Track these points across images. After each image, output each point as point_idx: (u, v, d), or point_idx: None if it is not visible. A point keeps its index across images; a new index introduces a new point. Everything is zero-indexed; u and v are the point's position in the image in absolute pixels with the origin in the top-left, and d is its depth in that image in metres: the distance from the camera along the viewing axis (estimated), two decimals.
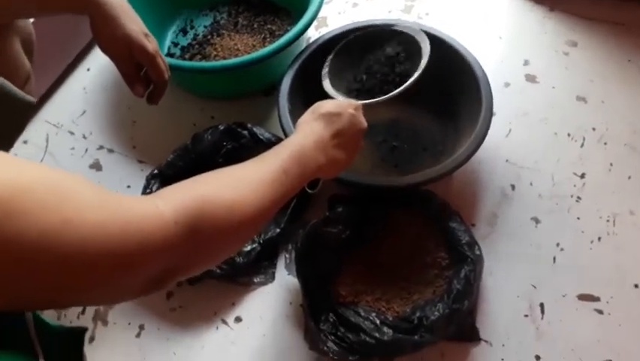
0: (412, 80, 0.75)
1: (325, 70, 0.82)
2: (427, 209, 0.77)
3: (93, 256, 0.36)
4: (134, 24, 0.67)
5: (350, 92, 0.80)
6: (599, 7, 1.04)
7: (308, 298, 0.70)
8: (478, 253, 0.72)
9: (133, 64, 0.69)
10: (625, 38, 1.00)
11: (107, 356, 0.74)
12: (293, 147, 0.57)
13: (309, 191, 0.66)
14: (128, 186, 0.90)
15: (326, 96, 0.77)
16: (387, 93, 0.77)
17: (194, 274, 0.48)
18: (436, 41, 0.88)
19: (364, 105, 0.70)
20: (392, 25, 0.85)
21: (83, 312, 0.78)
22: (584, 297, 0.74)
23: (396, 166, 0.87)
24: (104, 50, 0.68)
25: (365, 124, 0.66)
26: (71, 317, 0.78)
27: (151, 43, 0.68)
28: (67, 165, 0.94)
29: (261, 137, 0.85)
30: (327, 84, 0.80)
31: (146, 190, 0.82)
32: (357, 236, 0.76)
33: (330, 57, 0.83)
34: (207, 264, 0.48)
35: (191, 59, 1.02)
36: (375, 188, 0.77)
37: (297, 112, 0.85)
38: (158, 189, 0.82)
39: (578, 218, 0.81)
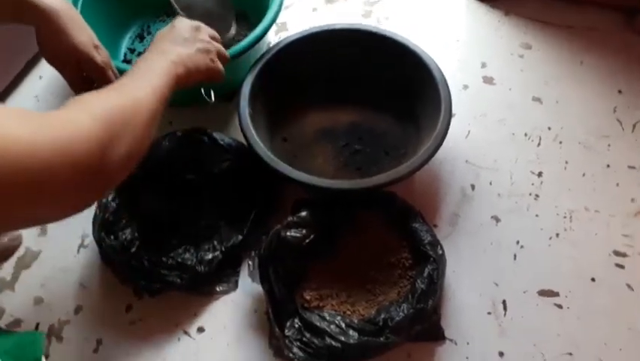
0: None
1: None
2: (389, 211, 0.78)
3: (28, 175, 0.38)
4: (83, 35, 0.64)
5: None
6: (552, 10, 1.08)
7: (272, 305, 0.69)
8: (440, 252, 0.72)
9: (80, 75, 0.66)
10: (576, 41, 1.03)
11: None
12: (143, 67, 0.60)
13: (208, 99, 0.78)
14: None
15: None
16: None
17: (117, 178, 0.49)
18: (396, 45, 0.89)
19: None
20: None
21: (36, 328, 0.75)
22: (544, 292, 0.75)
23: (358, 169, 0.87)
24: (50, 62, 0.65)
25: (193, 23, 0.71)
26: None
27: (101, 55, 0.66)
28: None
29: (222, 142, 0.84)
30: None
31: (102, 200, 0.79)
32: (322, 240, 0.76)
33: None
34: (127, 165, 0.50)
35: None
36: (337, 191, 0.76)
37: (257, 116, 0.84)
38: (113, 198, 0.79)
39: (537, 215, 0.82)
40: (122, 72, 0.87)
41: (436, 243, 0.73)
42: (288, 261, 0.72)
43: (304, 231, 0.73)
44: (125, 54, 1.03)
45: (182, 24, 0.70)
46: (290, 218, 0.74)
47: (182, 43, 0.66)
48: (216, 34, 0.75)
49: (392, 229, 0.77)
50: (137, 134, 0.50)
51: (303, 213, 0.74)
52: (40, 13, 0.61)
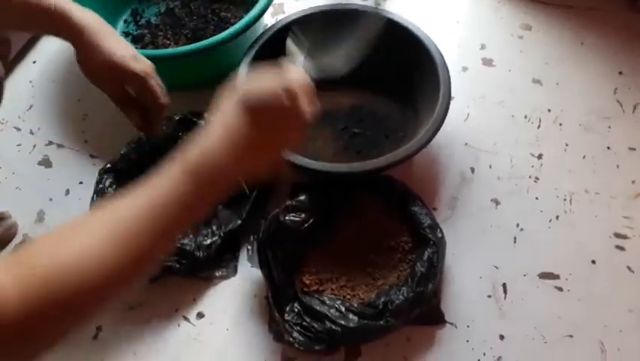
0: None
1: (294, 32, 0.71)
2: (388, 194, 0.77)
3: None
4: (119, 48, 0.62)
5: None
6: None
7: (272, 289, 0.69)
8: (440, 235, 0.72)
9: (121, 90, 0.65)
10: (577, 21, 1.02)
11: None
12: (196, 165, 0.44)
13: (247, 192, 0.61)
14: (81, 182, 0.86)
15: None
16: None
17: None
18: (396, 27, 0.88)
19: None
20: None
21: None
22: (544, 275, 0.75)
23: (358, 153, 0.86)
24: (91, 80, 0.64)
25: (306, 115, 0.49)
26: None
27: (141, 65, 0.64)
28: (14, 162, 0.89)
29: None
30: (290, 42, 0.64)
31: (99, 185, 0.78)
32: (321, 224, 0.75)
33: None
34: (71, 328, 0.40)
35: (143, 48, 0.98)
36: (337, 175, 0.75)
37: None
38: (111, 184, 0.78)
39: (537, 198, 0.82)
40: None
41: (435, 226, 0.73)
42: (287, 245, 0.72)
43: (303, 215, 0.73)
44: None
45: (277, 100, 0.47)
46: (289, 202, 0.73)
47: (271, 143, 0.48)
48: (313, 100, 0.52)
49: (391, 213, 0.77)
50: (87, 301, 0.39)
51: (302, 197, 0.74)
52: (75, 30, 0.60)
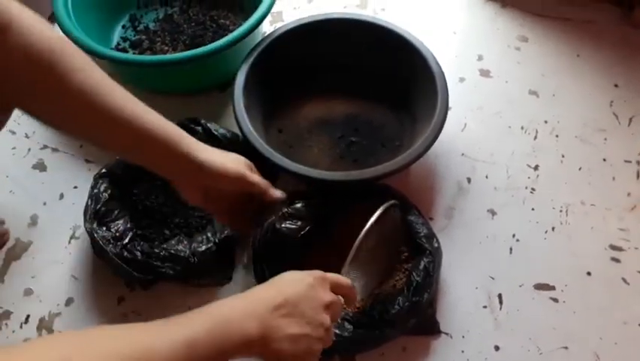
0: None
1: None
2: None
3: None
4: (234, 160, 0.63)
5: None
6: (549, 3, 1.07)
7: None
8: (436, 245, 0.72)
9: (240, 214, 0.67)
10: (573, 34, 1.03)
11: None
12: (216, 309, 0.45)
13: None
14: (75, 187, 0.85)
15: None
16: None
17: None
18: (393, 36, 0.88)
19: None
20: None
21: (26, 321, 0.74)
22: (540, 286, 0.75)
23: (355, 161, 0.86)
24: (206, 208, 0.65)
25: (327, 298, 0.51)
26: (14, 327, 0.73)
27: (255, 175, 0.65)
28: (8, 165, 0.88)
29: (216, 132, 0.83)
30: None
31: (94, 190, 0.78)
32: (317, 232, 0.75)
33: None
34: None
35: (141, 54, 0.98)
36: (333, 183, 0.75)
37: (252, 107, 0.83)
38: (106, 189, 0.78)
39: (533, 209, 0.82)
40: (113, 60, 0.85)
41: (432, 236, 0.72)
42: (282, 254, 0.71)
43: (300, 222, 0.72)
44: (118, 43, 1.01)
45: (319, 295, 0.51)
46: (285, 209, 0.73)
47: (296, 319, 0.48)
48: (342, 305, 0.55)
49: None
50: None
51: (299, 205, 0.73)
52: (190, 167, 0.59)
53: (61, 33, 0.70)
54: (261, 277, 0.69)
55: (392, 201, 0.69)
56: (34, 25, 0.50)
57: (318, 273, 0.53)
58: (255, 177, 0.64)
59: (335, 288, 0.54)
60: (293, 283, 0.50)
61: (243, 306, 0.46)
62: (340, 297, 0.55)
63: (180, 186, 0.62)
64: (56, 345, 0.37)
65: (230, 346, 0.43)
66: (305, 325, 0.48)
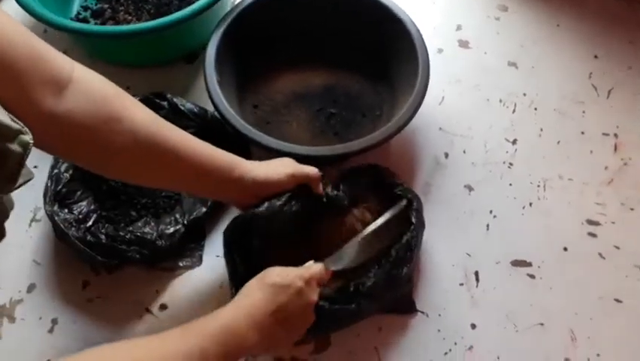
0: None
1: None
2: (374, 181, 0.74)
3: None
4: (288, 166, 0.66)
5: None
6: None
7: (236, 283, 0.66)
8: (422, 220, 0.70)
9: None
10: (554, 3, 1.00)
11: (16, 356, 0.67)
12: (221, 321, 0.52)
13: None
14: (35, 167, 0.81)
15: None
16: None
17: None
18: (371, 3, 0.84)
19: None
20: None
21: None
22: (516, 263, 0.74)
23: (336, 134, 0.83)
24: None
25: (315, 298, 0.59)
26: None
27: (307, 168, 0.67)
28: None
29: (182, 108, 0.78)
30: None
31: (54, 170, 0.74)
32: (296, 212, 0.72)
33: None
34: None
35: (103, 24, 0.92)
36: (317, 158, 0.72)
37: (225, 82, 0.78)
38: (67, 169, 0.74)
39: (510, 184, 0.81)
40: (72, 31, 0.80)
41: (420, 209, 0.70)
42: (255, 236, 0.68)
43: (276, 203, 0.69)
44: (79, 12, 0.95)
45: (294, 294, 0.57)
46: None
47: (286, 324, 0.56)
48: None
49: (372, 197, 0.74)
50: None
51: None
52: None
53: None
54: (233, 268, 0.66)
55: (403, 204, 0.70)
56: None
57: (305, 274, 0.59)
58: (305, 168, 0.67)
59: (320, 282, 0.61)
60: (284, 290, 0.56)
61: (244, 317, 0.53)
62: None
63: (238, 205, 0.69)
64: None
65: (236, 352, 0.52)
66: (296, 327, 0.58)
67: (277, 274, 0.57)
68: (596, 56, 0.94)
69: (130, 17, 0.93)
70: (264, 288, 0.56)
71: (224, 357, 0.50)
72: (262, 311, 0.54)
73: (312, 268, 0.61)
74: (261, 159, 0.75)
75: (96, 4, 0.96)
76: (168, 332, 0.50)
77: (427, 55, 0.79)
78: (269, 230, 0.69)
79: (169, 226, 0.71)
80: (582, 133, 0.85)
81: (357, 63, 0.89)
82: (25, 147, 0.43)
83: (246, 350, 0.53)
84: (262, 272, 0.59)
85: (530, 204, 0.79)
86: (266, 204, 0.66)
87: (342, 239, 0.72)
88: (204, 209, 0.74)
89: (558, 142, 0.85)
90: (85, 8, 0.96)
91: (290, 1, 0.86)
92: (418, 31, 0.81)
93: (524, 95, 0.90)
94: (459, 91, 0.90)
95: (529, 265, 0.74)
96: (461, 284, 0.72)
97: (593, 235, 0.76)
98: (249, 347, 0.52)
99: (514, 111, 0.88)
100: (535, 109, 0.88)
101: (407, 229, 0.68)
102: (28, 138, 0.43)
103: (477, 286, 0.72)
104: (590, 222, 0.77)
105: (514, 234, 0.76)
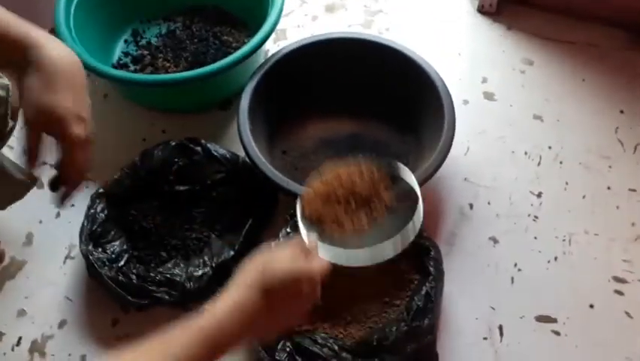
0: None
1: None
2: None
3: None
4: (72, 100, 0.54)
5: None
6: (554, 26, 1.06)
7: None
8: (441, 269, 0.70)
9: (40, 139, 0.56)
10: (579, 58, 1.02)
11: None
12: (210, 329, 0.49)
13: None
14: (72, 205, 0.84)
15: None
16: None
17: None
18: (397, 55, 0.87)
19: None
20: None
21: (18, 343, 0.72)
22: (541, 318, 0.73)
23: None
24: (25, 111, 0.55)
25: (317, 295, 0.54)
26: (5, 349, 0.72)
27: (78, 130, 0.54)
28: None
29: (215, 153, 0.82)
30: (299, 211, 0.63)
31: (90, 210, 0.77)
32: None
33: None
34: None
35: (142, 70, 0.97)
36: None
37: (257, 129, 0.82)
38: (103, 209, 0.77)
39: (535, 238, 0.81)
40: (112, 78, 0.84)
41: (439, 259, 0.71)
42: None
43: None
44: (120, 58, 1.01)
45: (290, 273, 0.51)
46: (279, 239, 0.72)
47: (282, 317, 0.52)
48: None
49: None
50: None
51: (286, 233, 0.72)
52: (40, 61, 0.53)
53: None
54: None
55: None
56: None
57: (313, 277, 0.53)
58: (73, 133, 0.54)
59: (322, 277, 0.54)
60: (285, 294, 0.51)
61: (237, 322, 0.49)
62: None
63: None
64: None
65: (226, 349, 0.49)
66: (291, 322, 0.56)
67: (282, 277, 0.51)
68: (621, 111, 0.95)
69: (168, 64, 0.98)
70: (263, 291, 0.50)
71: (215, 354, 0.49)
72: (254, 314, 0.50)
73: (322, 266, 0.54)
74: (288, 203, 0.77)
75: (136, 51, 1.02)
76: (156, 345, 0.49)
77: (453, 106, 0.81)
78: None
79: (197, 269, 0.73)
80: (608, 188, 0.85)
81: (383, 112, 0.91)
82: (7, 90, 0.41)
83: (235, 344, 0.50)
84: (265, 261, 0.52)
85: (556, 258, 0.79)
86: (272, 244, 0.68)
87: (362, 276, 0.72)
88: (232, 252, 0.76)
89: (584, 196, 0.85)
90: (126, 54, 1.01)
91: (319, 53, 0.89)
92: (444, 83, 0.83)
93: (549, 148, 0.91)
94: (484, 142, 0.92)
95: (555, 321, 0.73)
96: (485, 338, 0.72)
97: (619, 292, 0.75)
98: (238, 342, 0.50)
99: (539, 164, 0.89)
100: (561, 162, 0.89)
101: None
102: (5, 80, 0.42)
103: (501, 340, 0.72)
104: (617, 279, 0.76)
105: (539, 288, 0.76)
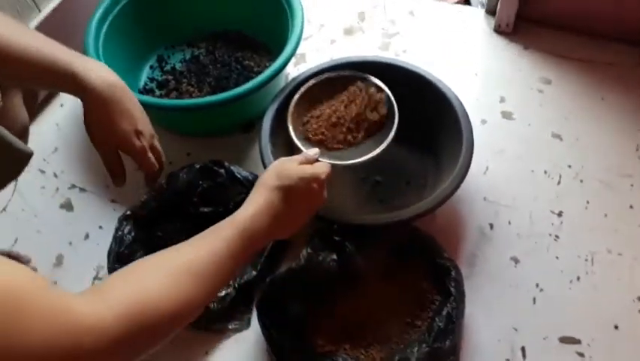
0: (385, 144, 0.76)
1: (290, 111, 0.80)
2: (410, 246, 0.76)
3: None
4: (126, 121, 0.64)
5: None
6: (571, 45, 1.07)
7: (275, 351, 0.68)
8: (462, 290, 0.71)
9: (117, 159, 0.67)
10: (597, 76, 1.02)
11: None
12: (244, 225, 0.57)
13: None
14: (100, 227, 0.87)
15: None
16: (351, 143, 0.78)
17: None
18: (415, 77, 0.89)
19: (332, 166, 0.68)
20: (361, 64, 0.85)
21: None
22: (565, 340, 0.73)
23: (381, 201, 0.86)
24: (93, 142, 0.65)
25: (325, 197, 0.66)
26: None
27: (141, 141, 0.66)
28: (36, 204, 0.91)
29: (238, 175, 0.84)
30: (292, 131, 0.78)
31: (118, 232, 0.79)
32: (340, 280, 0.74)
33: (296, 98, 0.81)
34: (141, 357, 0.48)
35: (167, 94, 1.01)
36: (359, 226, 0.75)
37: (279, 151, 0.83)
38: (130, 230, 0.79)
39: (557, 257, 0.80)
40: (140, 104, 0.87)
41: (460, 281, 0.71)
42: (295, 304, 0.71)
43: (317, 273, 0.72)
44: (146, 83, 1.04)
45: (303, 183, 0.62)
46: (301, 261, 0.73)
47: (298, 216, 0.63)
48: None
49: (410, 265, 0.76)
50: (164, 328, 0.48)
51: (319, 257, 0.73)
52: (88, 90, 0.61)
53: None
54: (267, 330, 0.69)
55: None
56: None
57: (319, 176, 0.64)
58: (137, 146, 0.65)
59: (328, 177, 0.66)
60: (298, 192, 0.62)
61: (264, 216, 0.59)
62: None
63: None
64: (131, 292, 0.46)
65: (256, 247, 0.59)
66: (309, 215, 0.65)
67: (293, 176, 0.62)
68: None
69: (192, 89, 1.01)
70: (280, 190, 0.61)
71: (249, 253, 0.57)
72: (279, 210, 0.60)
73: (323, 168, 0.66)
74: (309, 222, 0.79)
75: (161, 76, 1.05)
76: (199, 242, 0.55)
77: (471, 127, 0.82)
78: (304, 289, 0.71)
79: (221, 290, 0.75)
80: (631, 207, 0.85)
81: (402, 133, 0.92)
82: None
83: (266, 240, 0.61)
84: (278, 168, 0.63)
85: (578, 278, 0.78)
86: (294, 264, 0.71)
87: (383, 297, 0.74)
88: (254, 273, 0.77)
89: (605, 215, 0.85)
90: (151, 80, 1.05)
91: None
92: (461, 103, 0.84)
93: (569, 166, 0.91)
94: (503, 162, 0.92)
95: (579, 342, 0.72)
96: (507, 360, 0.72)
97: None
98: (268, 236, 0.60)
99: (559, 183, 0.89)
100: (581, 181, 0.89)
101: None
102: None
103: None
104: None
105: (562, 309, 0.75)
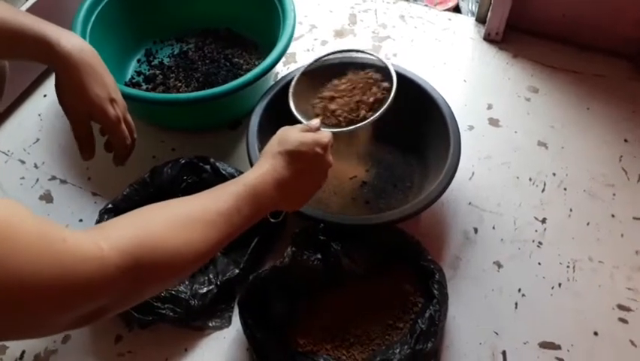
0: (383, 109, 0.74)
1: (291, 90, 0.79)
2: (394, 247, 0.76)
3: (24, 294, 0.36)
4: (100, 87, 0.63)
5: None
6: (560, 55, 1.08)
7: (256, 349, 0.67)
8: (445, 293, 0.70)
9: (88, 128, 0.66)
10: (584, 87, 1.03)
11: None
12: (250, 183, 0.56)
13: (272, 220, 0.67)
14: (80, 220, 0.85)
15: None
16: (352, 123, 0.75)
17: (124, 309, 0.49)
18: (404, 79, 0.88)
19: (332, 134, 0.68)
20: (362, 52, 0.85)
21: (21, 357, 0.72)
22: (545, 345, 0.73)
23: (367, 203, 0.86)
24: (64, 109, 0.64)
25: (331, 162, 0.65)
26: None
27: (115, 110, 0.65)
28: (15, 195, 0.89)
29: (224, 172, 0.83)
30: (293, 106, 0.77)
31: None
32: (323, 280, 0.74)
33: (297, 76, 0.81)
34: (138, 301, 0.49)
35: (154, 89, 0.99)
36: (345, 226, 0.75)
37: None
38: None
39: (539, 263, 0.81)
40: (124, 96, 0.87)
41: (443, 283, 0.71)
42: (277, 303, 0.70)
43: (299, 272, 0.72)
44: (132, 77, 1.03)
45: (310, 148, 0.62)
46: (285, 260, 0.72)
47: (306, 186, 0.63)
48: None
49: (393, 267, 0.75)
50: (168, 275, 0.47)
51: (303, 256, 0.73)
52: (61, 58, 0.60)
53: None
54: (248, 328, 0.68)
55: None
56: None
57: (322, 140, 0.63)
58: (111, 113, 0.64)
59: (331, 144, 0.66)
60: (303, 156, 0.61)
61: (270, 180, 0.58)
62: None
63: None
64: (134, 230, 0.45)
65: (265, 209, 0.58)
66: (315, 185, 0.64)
67: (296, 141, 0.61)
68: (625, 140, 0.96)
69: (179, 84, 1.00)
70: (284, 154, 0.60)
71: (255, 214, 0.56)
72: (284, 175, 0.59)
73: (326, 134, 0.65)
74: (295, 221, 0.78)
75: (149, 70, 1.04)
76: (206, 195, 0.54)
77: (459, 132, 0.82)
78: (291, 288, 0.71)
79: (202, 286, 0.74)
80: (612, 216, 0.86)
81: (390, 135, 0.92)
82: None
83: (272, 207, 0.59)
84: (280, 135, 0.63)
85: (559, 284, 0.79)
86: (278, 262, 0.70)
87: (365, 297, 0.73)
88: (237, 270, 0.76)
89: (588, 223, 0.85)
90: (138, 73, 1.04)
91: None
92: (450, 108, 0.85)
93: (554, 175, 0.91)
94: (489, 167, 0.93)
95: (558, 348, 0.73)
96: None
97: (624, 320, 0.75)
98: (274, 205, 0.59)
99: (543, 190, 0.90)
100: (565, 189, 0.90)
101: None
102: None
103: None
104: (621, 307, 0.76)
105: (543, 314, 0.76)
